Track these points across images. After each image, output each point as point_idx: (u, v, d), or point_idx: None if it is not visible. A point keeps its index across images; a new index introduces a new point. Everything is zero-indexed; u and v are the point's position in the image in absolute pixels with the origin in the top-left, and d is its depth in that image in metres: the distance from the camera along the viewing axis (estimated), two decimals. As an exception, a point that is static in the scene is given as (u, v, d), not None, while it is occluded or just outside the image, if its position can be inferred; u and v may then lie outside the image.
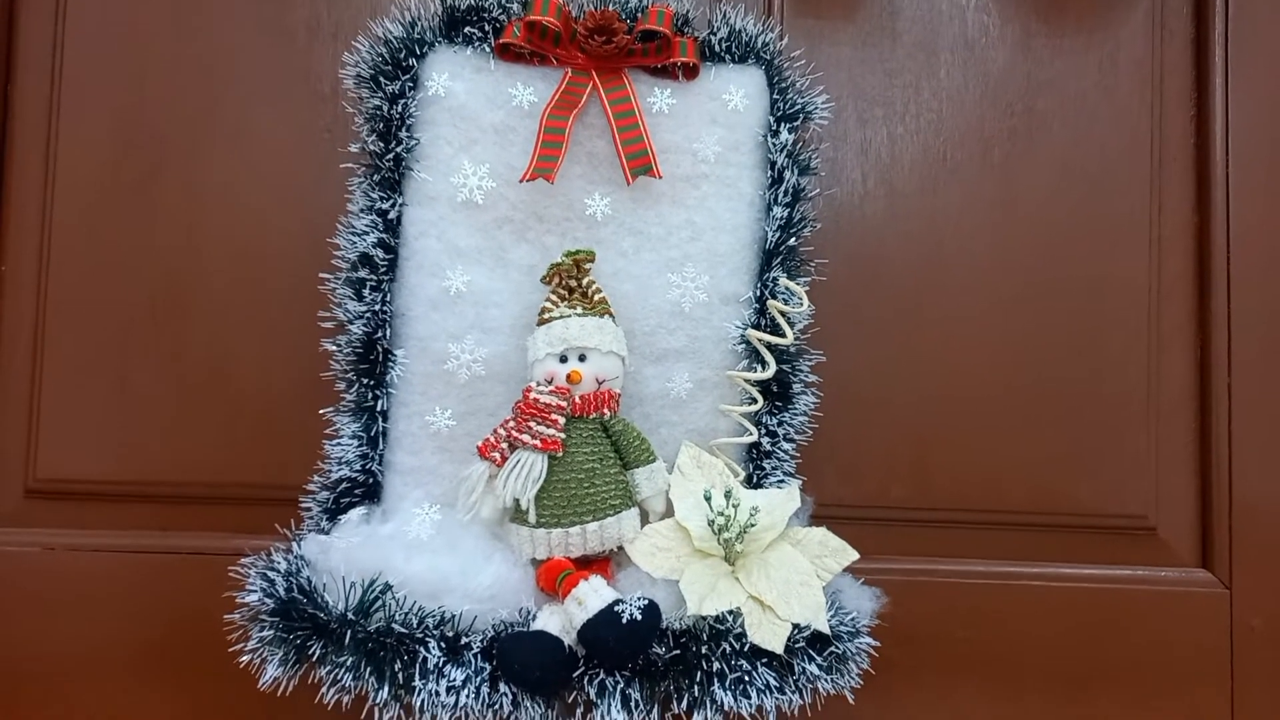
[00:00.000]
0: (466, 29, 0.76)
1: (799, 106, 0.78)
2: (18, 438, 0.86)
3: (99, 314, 0.87)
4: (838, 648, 0.68)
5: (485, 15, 0.76)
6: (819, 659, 0.67)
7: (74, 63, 0.89)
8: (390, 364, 0.74)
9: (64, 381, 0.87)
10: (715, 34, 0.77)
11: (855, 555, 0.71)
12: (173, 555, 0.85)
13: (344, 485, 0.74)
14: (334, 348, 0.75)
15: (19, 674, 0.84)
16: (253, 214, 0.88)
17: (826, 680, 0.67)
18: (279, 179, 0.88)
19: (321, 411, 0.75)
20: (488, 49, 0.76)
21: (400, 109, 0.74)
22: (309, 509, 0.75)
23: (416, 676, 0.64)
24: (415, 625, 0.66)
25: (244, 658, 0.67)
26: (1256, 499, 0.86)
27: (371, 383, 0.74)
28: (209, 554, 0.83)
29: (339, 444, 0.74)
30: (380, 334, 0.74)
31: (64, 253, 0.88)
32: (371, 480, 0.74)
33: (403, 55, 0.75)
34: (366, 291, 0.73)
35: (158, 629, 0.84)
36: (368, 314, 0.73)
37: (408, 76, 0.75)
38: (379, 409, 0.74)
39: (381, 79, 0.75)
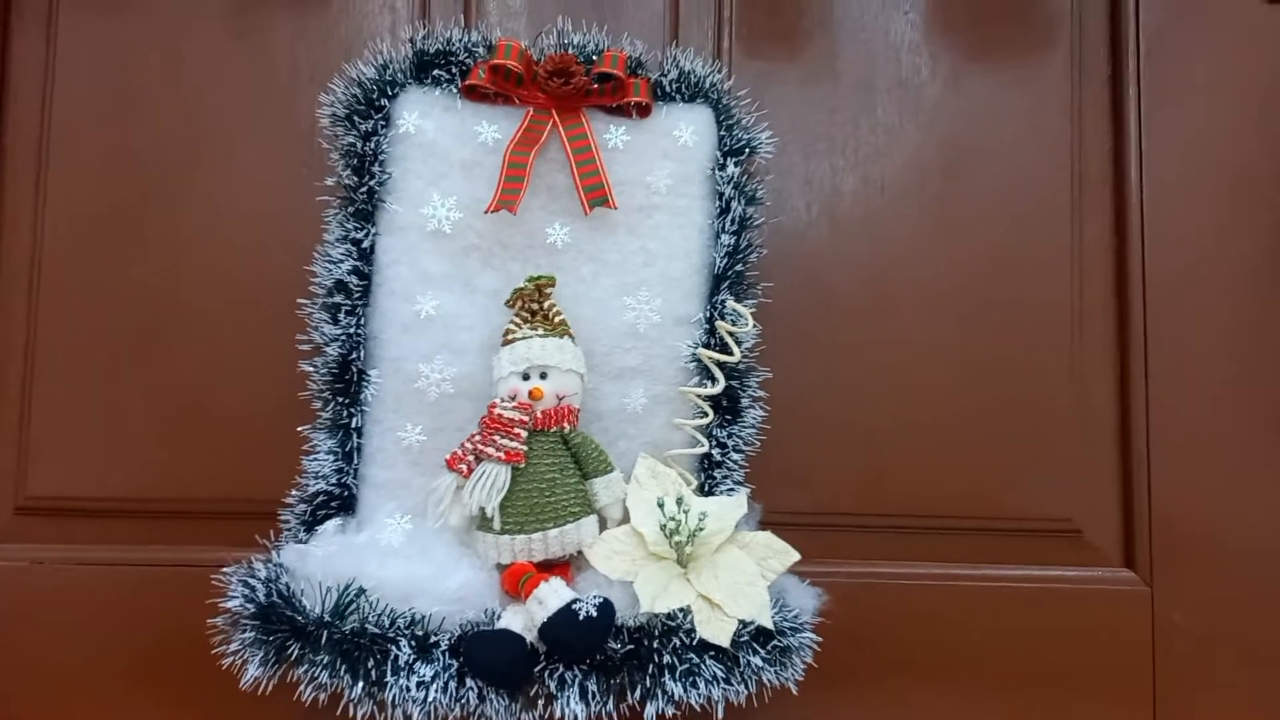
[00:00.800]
0: (435, 71, 0.78)
1: (745, 141, 0.80)
2: (8, 457, 0.88)
3: (88, 339, 0.88)
4: (781, 642, 0.70)
5: (452, 58, 0.79)
6: (763, 652, 0.70)
7: (64, 101, 0.91)
8: (364, 383, 0.76)
9: (53, 403, 0.88)
10: (666, 75, 0.80)
11: (797, 556, 0.74)
12: (158, 568, 0.86)
13: (321, 498, 0.76)
14: (311, 369, 0.77)
15: (10, 684, 0.85)
16: (234, 243, 0.89)
17: (770, 672, 0.70)
18: (259, 210, 0.89)
19: (299, 429, 0.77)
20: (455, 90, 0.79)
21: (373, 145, 0.77)
22: (287, 521, 0.77)
23: (389, 673, 0.67)
24: (388, 626, 0.68)
25: (226, 660, 0.69)
26: (1174, 503, 0.88)
27: (347, 401, 0.76)
28: (193, 565, 0.83)
29: (316, 459, 0.76)
30: (355, 355, 0.76)
31: (54, 280, 0.89)
32: (347, 493, 0.76)
33: (375, 95, 0.77)
34: (342, 316, 0.76)
35: (145, 638, 0.85)
36: (343, 337, 0.76)
37: (380, 115, 0.77)
38: (354, 426, 0.76)
39: (355, 118, 0.77)
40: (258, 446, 0.87)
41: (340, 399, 0.76)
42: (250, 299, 0.88)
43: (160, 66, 0.91)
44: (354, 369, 0.76)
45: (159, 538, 0.87)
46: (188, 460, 0.87)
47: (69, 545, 0.87)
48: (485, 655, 0.67)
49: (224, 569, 0.73)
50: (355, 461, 0.77)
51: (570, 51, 0.79)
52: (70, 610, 0.86)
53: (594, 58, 0.79)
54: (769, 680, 0.70)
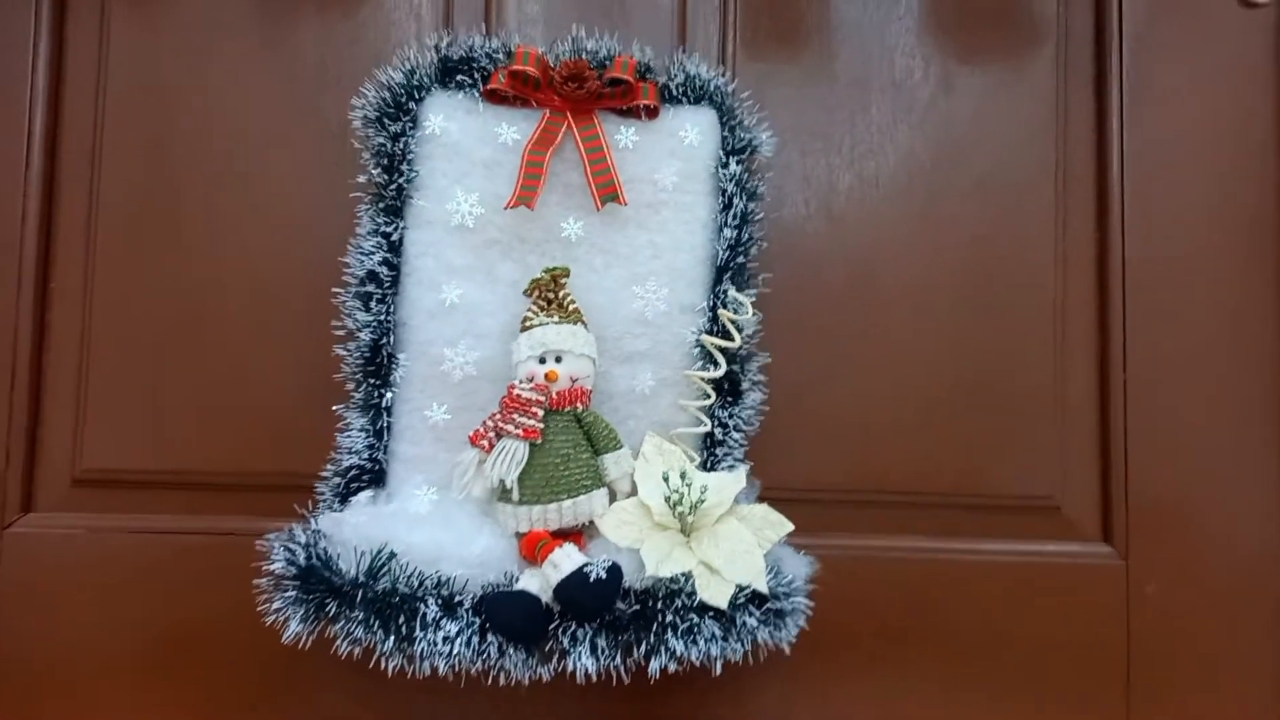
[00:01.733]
0: (459, 76, 0.82)
1: (746, 141, 0.83)
2: (65, 434, 0.91)
3: (137, 326, 0.92)
4: (775, 605, 0.74)
5: (474, 64, 0.82)
6: (758, 614, 0.73)
7: (114, 110, 0.93)
8: (394, 366, 0.80)
9: (106, 384, 0.91)
10: (673, 80, 0.83)
11: (791, 527, 0.77)
12: (205, 535, 0.90)
13: (354, 472, 0.80)
14: (344, 353, 0.80)
15: (72, 646, 0.89)
16: (270, 236, 0.92)
17: (765, 632, 0.74)
18: (293, 205, 0.92)
19: (334, 408, 0.81)
20: (477, 94, 0.82)
21: (402, 146, 0.80)
22: (322, 493, 0.80)
23: (418, 629, 0.71)
24: (417, 587, 0.72)
25: (269, 618, 0.73)
26: (1149, 481, 0.91)
27: (378, 382, 0.80)
28: (237, 534, 0.86)
29: (349, 436, 0.80)
30: (385, 340, 0.79)
31: (106, 272, 0.92)
32: (378, 467, 0.80)
33: (404, 99, 0.81)
34: (373, 304, 0.79)
35: (191, 602, 0.89)
36: (374, 323, 0.79)
37: (408, 118, 0.81)
38: (384, 405, 0.79)
39: (385, 120, 0.80)
40: (292, 424, 0.89)
41: (372, 380, 0.80)
42: (285, 289, 0.91)
43: (197, 74, 0.94)
44: (385, 353, 0.80)
45: (205, 508, 0.90)
46: (228, 437, 0.91)
47: (122, 514, 0.90)
48: (505, 613, 0.71)
49: (266, 535, 0.77)
50: (385, 438, 0.80)
51: (583, 57, 0.82)
52: (124, 574, 0.89)
53: (606, 63, 0.82)
54: (764, 640, 0.74)
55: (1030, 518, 0.92)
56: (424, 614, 0.72)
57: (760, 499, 0.81)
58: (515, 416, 0.76)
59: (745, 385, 0.82)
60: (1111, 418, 0.92)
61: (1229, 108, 0.94)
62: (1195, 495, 0.92)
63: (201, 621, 0.90)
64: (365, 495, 0.80)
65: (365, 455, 0.80)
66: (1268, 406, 0.93)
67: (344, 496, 0.80)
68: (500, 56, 0.83)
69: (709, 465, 0.81)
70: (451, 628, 0.72)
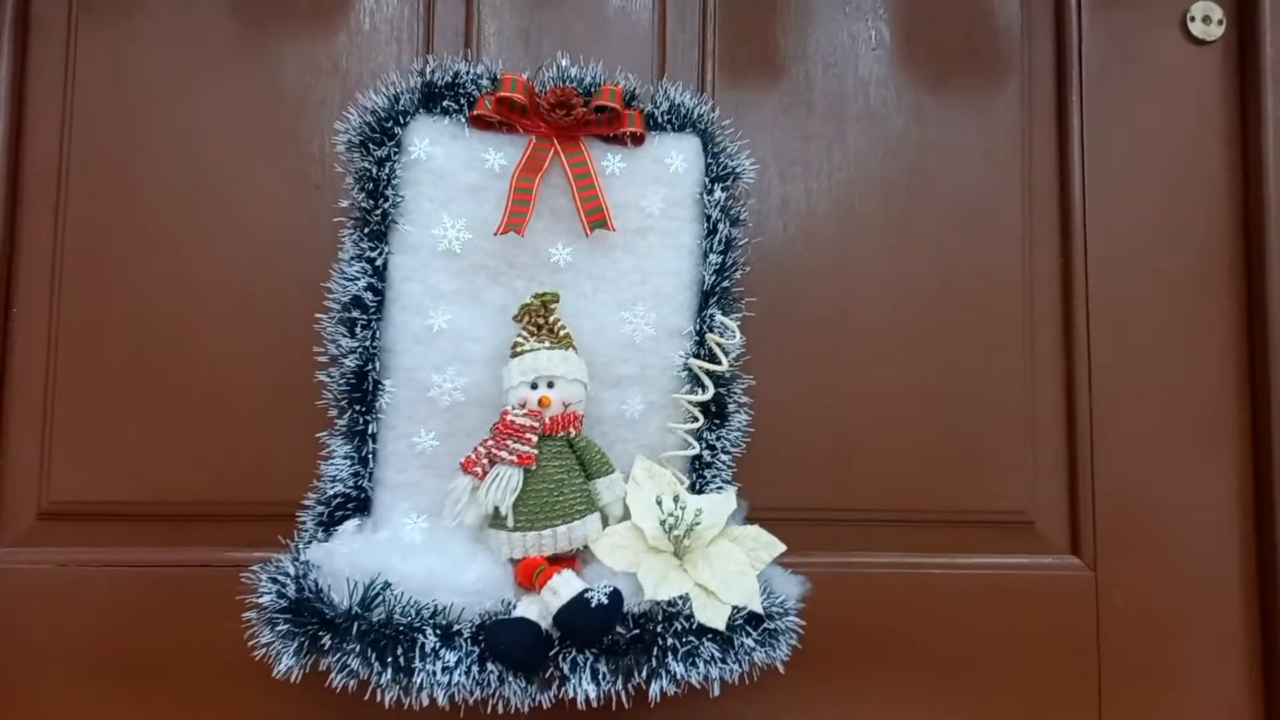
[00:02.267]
0: (444, 101, 0.81)
1: (730, 168, 0.84)
2: (31, 464, 0.88)
3: (106, 351, 0.89)
4: (770, 625, 0.76)
5: (460, 89, 0.82)
6: (754, 634, 0.75)
7: (81, 126, 0.91)
8: (379, 392, 0.79)
9: (74, 412, 0.89)
10: (658, 107, 0.84)
11: (783, 548, 0.79)
12: (180, 568, 0.87)
13: (338, 500, 0.79)
14: (327, 379, 0.79)
15: (36, 683, 0.86)
16: (249, 260, 0.90)
17: (761, 652, 0.75)
18: (273, 230, 0.91)
19: (318, 435, 0.80)
20: (462, 119, 0.82)
21: (387, 171, 0.79)
22: (304, 523, 0.79)
23: (416, 659, 0.70)
24: (413, 616, 0.72)
25: (259, 652, 0.72)
26: (1116, 497, 0.94)
27: (363, 409, 0.79)
28: (213, 566, 0.86)
29: (333, 464, 0.79)
30: (371, 366, 0.79)
31: (73, 296, 0.89)
32: (363, 495, 0.79)
33: (389, 124, 0.80)
34: (358, 329, 0.78)
35: (166, 638, 0.87)
36: (360, 349, 0.78)
37: (393, 143, 0.80)
38: (370, 432, 0.79)
39: (370, 144, 0.80)
40: (268, 452, 0.88)
41: (357, 407, 0.79)
42: (264, 313, 0.90)
43: (172, 94, 0.92)
44: (370, 379, 0.79)
45: (178, 540, 0.88)
46: (202, 466, 0.88)
47: (91, 548, 0.87)
48: (505, 641, 0.71)
49: (252, 567, 0.75)
50: (370, 465, 0.80)
51: (570, 85, 0.82)
52: (93, 610, 0.86)
53: (592, 91, 0.83)
54: (760, 660, 0.75)
55: (1004, 532, 0.95)
56: (423, 644, 0.71)
57: (746, 519, 0.82)
58: (509, 443, 0.76)
59: (731, 408, 0.83)
60: (1078, 435, 0.95)
61: (1180, 136, 0.99)
62: (1160, 508, 0.95)
63: (178, 657, 0.87)
64: (351, 524, 0.79)
65: (350, 483, 0.80)
66: (1225, 419, 0.97)
67: (327, 525, 0.80)
68: (485, 82, 0.83)
69: (697, 488, 0.82)
70: (450, 657, 0.72)
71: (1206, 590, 0.96)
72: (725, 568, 0.77)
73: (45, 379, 0.90)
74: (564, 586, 0.72)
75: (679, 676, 0.72)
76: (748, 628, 0.75)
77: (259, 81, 0.93)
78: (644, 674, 0.72)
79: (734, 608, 0.75)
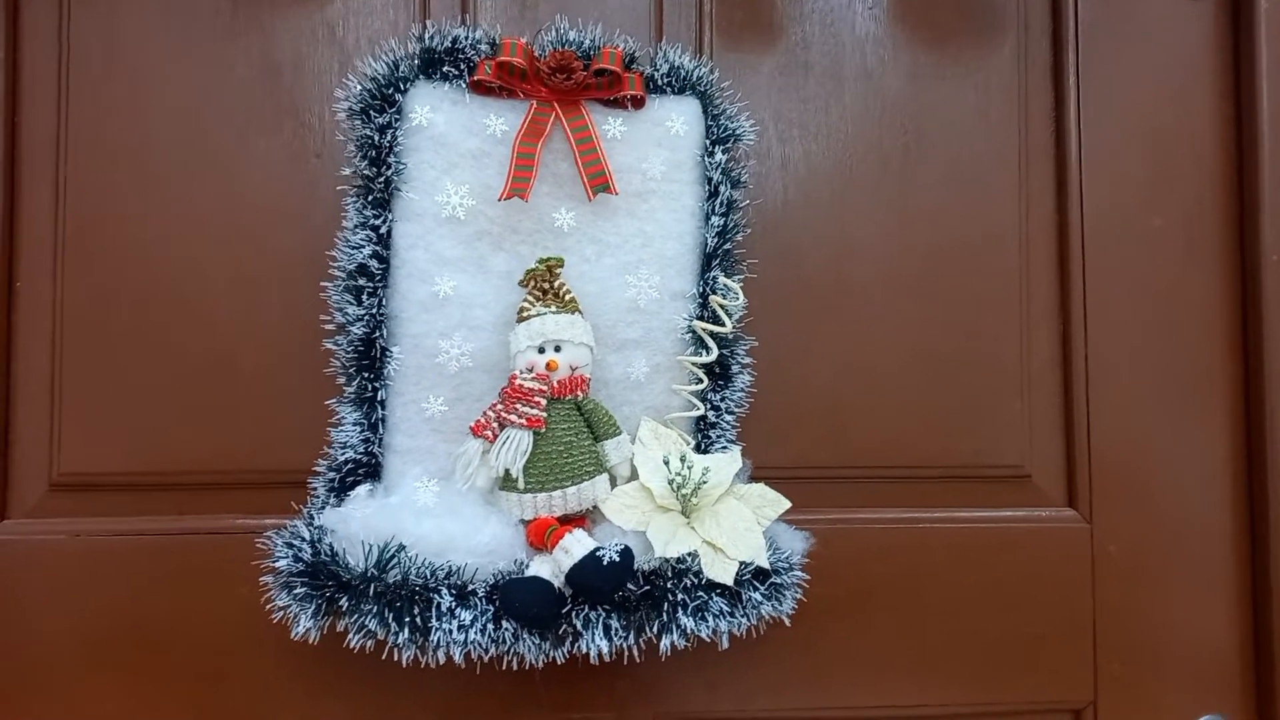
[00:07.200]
0: (444, 68, 0.81)
1: (730, 130, 0.84)
2: (41, 436, 0.88)
3: (112, 323, 0.89)
4: (776, 579, 0.77)
5: (459, 55, 0.81)
6: (761, 589, 0.76)
7: (78, 97, 0.90)
8: (387, 359, 0.79)
9: (82, 384, 0.89)
10: (658, 70, 0.83)
11: (788, 504, 0.80)
12: (189, 536, 0.88)
13: (349, 466, 0.79)
14: (336, 347, 0.80)
15: (51, 653, 0.87)
16: (251, 230, 0.90)
17: (768, 606, 0.77)
18: (274, 199, 0.90)
19: (326, 402, 0.81)
20: (463, 85, 0.81)
21: (389, 138, 0.79)
22: (315, 489, 0.80)
23: (433, 619, 0.71)
24: (429, 577, 0.73)
25: (275, 616, 0.74)
26: (1111, 449, 0.96)
27: (371, 376, 0.79)
28: (223, 534, 0.87)
29: (342, 430, 0.80)
30: (378, 333, 0.79)
31: (76, 269, 0.89)
32: (373, 461, 0.80)
33: (389, 91, 0.79)
34: (364, 297, 0.79)
35: (177, 604, 0.88)
36: (366, 316, 0.79)
37: (394, 110, 0.79)
38: (379, 399, 0.79)
39: (371, 112, 0.79)
40: (276, 420, 0.89)
41: (365, 374, 0.80)
42: (268, 283, 0.90)
43: (168, 65, 0.92)
44: (378, 346, 0.79)
45: (188, 508, 0.89)
46: (211, 434, 0.89)
47: (102, 518, 0.88)
48: (519, 599, 0.72)
49: (267, 533, 0.76)
50: (380, 431, 0.80)
51: (570, 49, 0.82)
52: (106, 579, 0.87)
53: (592, 54, 0.82)
54: (767, 613, 0.77)
55: (1001, 486, 0.97)
56: (439, 604, 0.72)
57: (751, 478, 0.83)
58: (519, 406, 0.77)
59: (735, 369, 0.84)
60: (1074, 388, 0.97)
61: (1175, 92, 1.00)
62: (1154, 461, 0.98)
63: (191, 624, 0.88)
64: (363, 489, 0.80)
65: (360, 449, 0.80)
66: (1216, 376, 0.99)
67: (338, 491, 0.80)
68: (484, 47, 0.82)
69: (702, 448, 0.83)
70: (466, 616, 0.72)
71: (1198, 541, 0.98)
72: (732, 525, 0.78)
73: (52, 351, 0.89)
74: (576, 545, 0.73)
75: (689, 630, 0.74)
76: (755, 582, 0.77)
77: (255, 50, 0.92)
78: (655, 629, 0.74)
79: (741, 563, 0.76)
